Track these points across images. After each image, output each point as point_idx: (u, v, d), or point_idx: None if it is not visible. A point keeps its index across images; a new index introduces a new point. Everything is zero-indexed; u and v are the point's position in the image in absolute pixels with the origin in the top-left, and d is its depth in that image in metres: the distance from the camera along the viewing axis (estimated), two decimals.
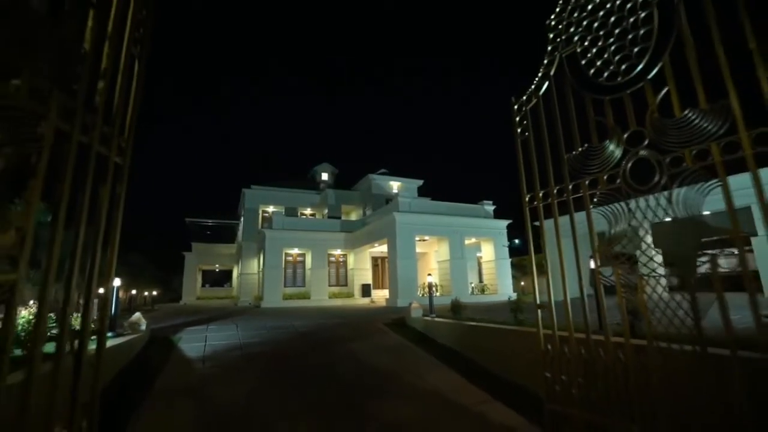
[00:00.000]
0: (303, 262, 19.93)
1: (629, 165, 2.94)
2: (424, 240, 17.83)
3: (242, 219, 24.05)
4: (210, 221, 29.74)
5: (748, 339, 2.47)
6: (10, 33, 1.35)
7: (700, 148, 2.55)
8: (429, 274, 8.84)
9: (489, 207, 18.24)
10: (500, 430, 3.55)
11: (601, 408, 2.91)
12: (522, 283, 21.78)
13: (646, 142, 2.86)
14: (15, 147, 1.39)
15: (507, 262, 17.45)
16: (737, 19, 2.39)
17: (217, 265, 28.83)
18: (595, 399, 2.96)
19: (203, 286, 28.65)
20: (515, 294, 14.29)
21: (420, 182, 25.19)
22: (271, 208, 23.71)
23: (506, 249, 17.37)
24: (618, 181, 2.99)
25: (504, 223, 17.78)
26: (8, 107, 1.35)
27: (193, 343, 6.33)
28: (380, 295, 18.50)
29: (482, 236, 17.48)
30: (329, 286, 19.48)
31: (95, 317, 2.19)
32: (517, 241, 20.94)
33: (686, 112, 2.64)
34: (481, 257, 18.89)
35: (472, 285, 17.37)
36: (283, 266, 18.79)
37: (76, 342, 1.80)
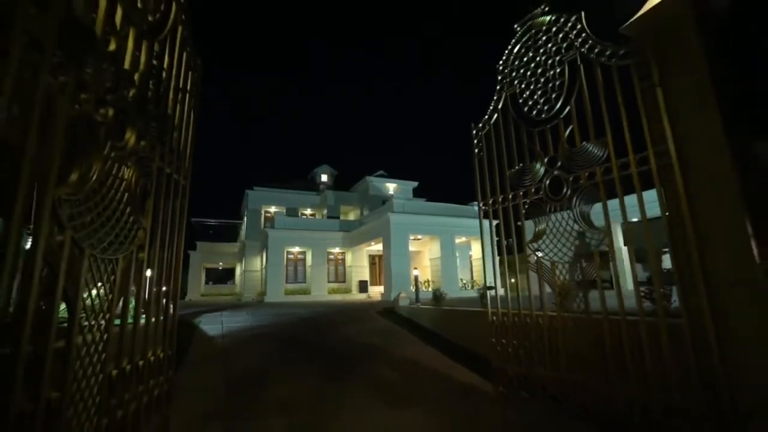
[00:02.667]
0: (304, 260, 20.96)
1: (548, 181, 3.98)
2: (417, 239, 18.85)
3: (245, 219, 25.07)
4: (213, 221, 30.76)
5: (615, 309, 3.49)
6: (144, 115, 2.38)
7: (590, 171, 3.58)
8: (415, 268, 9.88)
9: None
10: (460, 385, 4.58)
11: (526, 361, 3.95)
12: (512, 280, 22.71)
13: (558, 164, 3.90)
14: (144, 181, 2.42)
15: (496, 259, 18.45)
16: (613, 82, 3.41)
17: (220, 263, 29.85)
18: (522, 355, 4.00)
19: (207, 283, 29.67)
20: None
21: (415, 184, 26.23)
22: (273, 209, 24.74)
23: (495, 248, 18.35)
24: (541, 192, 4.03)
25: (492, 223, 18.76)
26: (142, 157, 2.38)
27: (211, 325, 7.39)
28: (376, 291, 19.53)
29: (472, 235, 18.49)
30: (328, 282, 20.52)
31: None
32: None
33: (583, 143, 3.68)
34: (471, 255, 19.94)
35: (464, 281, 18.40)
36: (285, 264, 19.82)
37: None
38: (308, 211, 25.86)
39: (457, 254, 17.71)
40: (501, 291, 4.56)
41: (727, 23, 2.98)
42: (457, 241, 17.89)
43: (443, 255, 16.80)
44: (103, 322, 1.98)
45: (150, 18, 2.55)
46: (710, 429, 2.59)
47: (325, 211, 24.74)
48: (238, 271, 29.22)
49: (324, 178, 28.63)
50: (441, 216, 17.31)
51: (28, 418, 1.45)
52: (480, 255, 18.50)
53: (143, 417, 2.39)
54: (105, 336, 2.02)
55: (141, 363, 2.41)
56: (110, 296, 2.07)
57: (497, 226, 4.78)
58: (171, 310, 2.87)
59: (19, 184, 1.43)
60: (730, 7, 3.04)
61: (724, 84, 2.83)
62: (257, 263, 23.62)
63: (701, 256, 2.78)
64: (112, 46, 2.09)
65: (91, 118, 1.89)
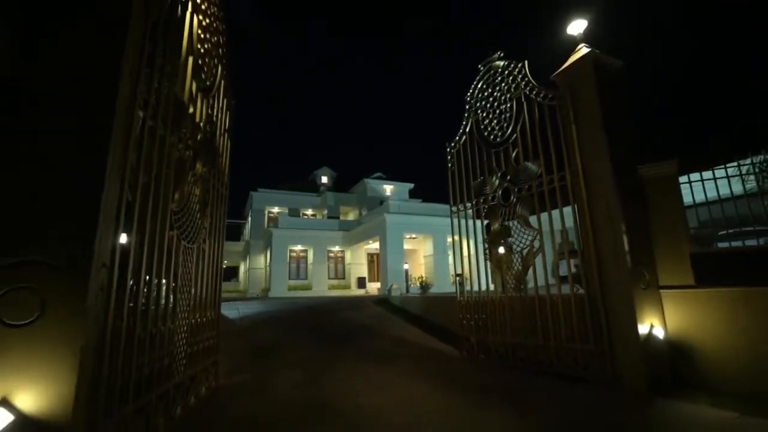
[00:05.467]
0: (305, 258, 22.11)
1: (500, 191, 5.11)
2: (413, 238, 19.99)
3: (249, 219, 26.18)
4: None
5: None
6: (205, 150, 3.51)
7: (529, 184, 4.72)
8: (406, 263, 11.02)
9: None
10: (434, 351, 5.71)
11: (483, 331, 5.08)
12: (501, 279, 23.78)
13: (508, 178, 5.03)
14: (205, 195, 3.56)
15: (465, 253, 19.62)
16: (545, 116, 4.54)
17: (225, 262, 30.96)
18: (482, 326, 5.14)
19: None
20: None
21: (411, 185, 27.37)
22: (276, 209, 25.87)
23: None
24: (495, 200, 5.17)
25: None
26: (205, 179, 3.52)
27: (229, 311, 8.55)
28: (374, 287, 20.66)
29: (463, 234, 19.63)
30: (329, 278, 21.68)
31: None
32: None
33: (525, 162, 4.81)
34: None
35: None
36: (288, 261, 20.97)
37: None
38: (309, 212, 26.99)
39: (450, 252, 18.82)
40: (471, 279, 5.68)
41: (616, 83, 4.12)
42: (451, 240, 19.04)
43: (436, 252, 17.95)
44: (187, 289, 3.13)
45: (207, 82, 3.69)
46: (598, 368, 3.73)
47: (325, 212, 25.88)
48: (241, 268, 30.31)
49: (324, 179, 29.76)
50: (434, 216, 18.40)
51: (160, 336, 2.60)
52: (472, 252, 19.65)
53: (205, 355, 3.54)
54: (188, 298, 3.16)
55: (204, 319, 3.56)
56: (190, 273, 3.21)
57: (466, 225, 5.91)
58: (218, 285, 4.01)
59: (159, 204, 2.57)
60: (619, 71, 4.18)
61: (612, 125, 3.98)
62: (261, 261, 24.74)
63: (596, 248, 3.92)
64: (191, 110, 3.23)
65: (183, 158, 3.04)
